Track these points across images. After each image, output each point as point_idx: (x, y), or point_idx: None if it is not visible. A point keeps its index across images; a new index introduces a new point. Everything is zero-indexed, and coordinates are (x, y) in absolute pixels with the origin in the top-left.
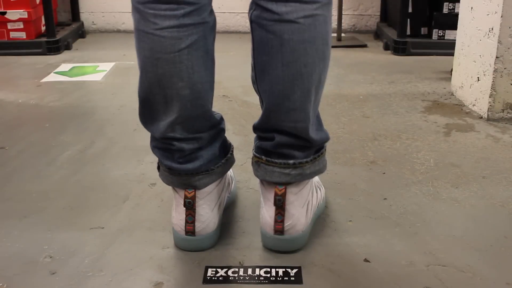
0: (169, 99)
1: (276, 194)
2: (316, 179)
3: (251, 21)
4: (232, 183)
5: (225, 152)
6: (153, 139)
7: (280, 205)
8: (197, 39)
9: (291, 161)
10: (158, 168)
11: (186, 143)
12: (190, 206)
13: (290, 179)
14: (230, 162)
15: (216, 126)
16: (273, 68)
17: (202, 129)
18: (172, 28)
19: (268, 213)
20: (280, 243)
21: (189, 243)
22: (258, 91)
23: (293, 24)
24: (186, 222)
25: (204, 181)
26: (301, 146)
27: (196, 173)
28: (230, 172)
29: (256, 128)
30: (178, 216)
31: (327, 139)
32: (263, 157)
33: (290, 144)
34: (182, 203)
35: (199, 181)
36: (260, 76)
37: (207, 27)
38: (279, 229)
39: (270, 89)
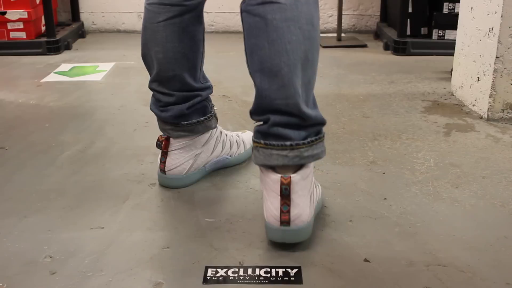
0: (150, 59)
1: (282, 184)
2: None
3: (241, 12)
4: (238, 147)
5: (200, 115)
6: None
7: (286, 195)
8: (173, 16)
9: (288, 143)
10: None
11: (163, 96)
12: (159, 147)
13: (288, 162)
14: (203, 126)
15: (192, 90)
16: (260, 48)
17: (174, 88)
18: (155, 4)
19: (273, 204)
20: (286, 234)
21: (162, 179)
22: (250, 74)
23: (274, 4)
24: (160, 161)
25: (176, 133)
26: (296, 124)
27: (167, 122)
28: (240, 138)
29: (252, 113)
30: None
31: (322, 119)
32: (261, 141)
33: (284, 122)
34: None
35: (171, 131)
36: (250, 58)
37: (184, 9)
38: (285, 219)
39: (260, 68)
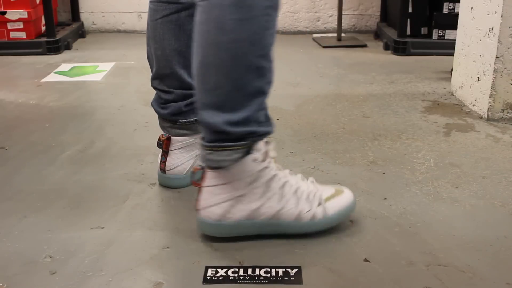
0: (150, 55)
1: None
2: (304, 194)
3: None
4: None
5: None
6: None
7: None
8: (169, 13)
9: (200, 141)
10: None
11: (163, 93)
12: (160, 146)
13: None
14: None
15: (190, 88)
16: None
17: (172, 85)
18: (155, 2)
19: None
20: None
21: (161, 179)
22: None
23: (197, 7)
24: (160, 161)
25: (175, 131)
26: (202, 126)
27: (166, 119)
28: None
29: None
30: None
31: (221, 129)
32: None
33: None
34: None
35: (170, 129)
36: None
37: (180, 7)
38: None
39: None
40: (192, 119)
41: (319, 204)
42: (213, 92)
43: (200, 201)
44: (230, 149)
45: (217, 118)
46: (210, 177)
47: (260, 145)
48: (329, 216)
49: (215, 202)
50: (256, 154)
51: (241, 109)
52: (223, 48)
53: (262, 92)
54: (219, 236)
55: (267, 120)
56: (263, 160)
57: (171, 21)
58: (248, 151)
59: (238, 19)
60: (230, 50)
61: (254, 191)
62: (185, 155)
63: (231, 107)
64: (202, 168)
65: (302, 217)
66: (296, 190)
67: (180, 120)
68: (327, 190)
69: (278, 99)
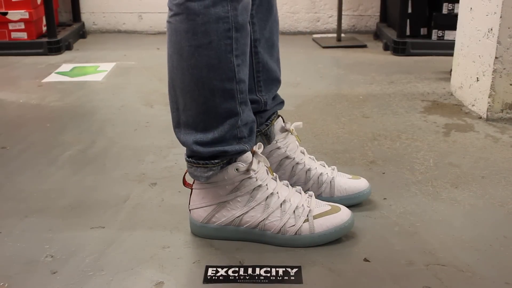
0: None
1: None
2: (291, 208)
3: None
4: None
5: None
6: None
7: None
8: None
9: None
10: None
11: None
12: None
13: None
14: None
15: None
16: None
17: None
18: None
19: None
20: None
21: None
22: None
23: (166, 23)
24: None
25: None
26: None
27: None
28: None
29: None
30: None
31: (190, 149)
32: None
33: None
34: None
35: None
36: None
37: None
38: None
39: None
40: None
41: (306, 220)
42: (184, 112)
43: (190, 202)
44: (204, 167)
45: (189, 138)
46: (197, 181)
47: (246, 155)
48: (315, 233)
49: (201, 204)
50: (239, 164)
51: (212, 130)
52: (186, 73)
53: (233, 114)
54: (207, 238)
55: (244, 137)
56: (248, 170)
57: None
58: (229, 161)
59: (195, 46)
60: (192, 75)
61: (237, 199)
62: None
63: (202, 127)
64: None
65: (286, 231)
66: (283, 202)
67: None
68: (321, 207)
69: None
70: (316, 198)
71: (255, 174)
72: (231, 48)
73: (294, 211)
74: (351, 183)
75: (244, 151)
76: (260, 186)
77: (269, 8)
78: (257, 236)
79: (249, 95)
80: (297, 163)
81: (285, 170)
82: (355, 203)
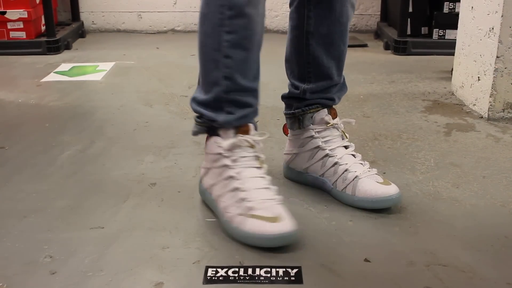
0: None
1: None
2: (238, 197)
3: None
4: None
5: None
6: None
7: None
8: None
9: None
10: None
11: None
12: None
13: None
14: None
15: (297, 81)
16: None
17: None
18: None
19: None
20: None
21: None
22: None
23: None
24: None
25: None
26: None
27: None
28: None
29: None
30: None
31: (190, 103)
32: None
33: None
34: None
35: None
36: None
37: None
38: None
39: None
40: (288, 111)
41: (241, 214)
42: (201, 76)
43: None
44: (195, 121)
45: (195, 92)
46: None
47: (227, 132)
48: (241, 230)
49: (202, 164)
50: (218, 139)
51: (205, 93)
52: (198, 37)
53: (217, 84)
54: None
55: (231, 113)
56: (227, 149)
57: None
58: (213, 132)
59: (202, 14)
60: (199, 39)
61: (214, 170)
62: (291, 147)
63: (201, 87)
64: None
65: (224, 214)
66: (234, 189)
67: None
68: (274, 210)
69: (278, 99)
70: (340, 192)
71: (233, 155)
72: (222, 23)
73: (239, 201)
74: (374, 186)
75: (225, 124)
76: (226, 165)
77: (329, 7)
78: (215, 209)
79: (294, 80)
80: (328, 155)
81: (316, 159)
82: (376, 207)
